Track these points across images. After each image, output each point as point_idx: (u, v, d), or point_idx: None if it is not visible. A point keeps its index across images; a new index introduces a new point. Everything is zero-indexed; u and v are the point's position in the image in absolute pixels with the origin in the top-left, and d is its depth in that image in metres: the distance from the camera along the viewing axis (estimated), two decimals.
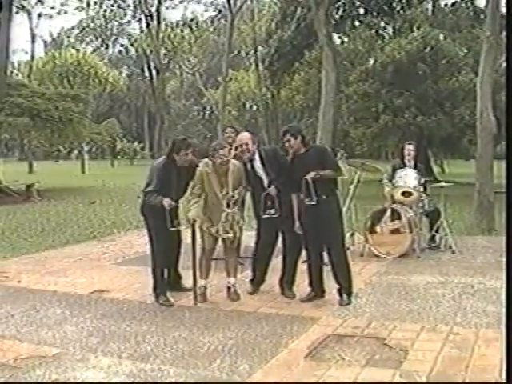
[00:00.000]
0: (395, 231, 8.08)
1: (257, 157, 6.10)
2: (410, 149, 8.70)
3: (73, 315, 5.60)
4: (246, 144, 6.06)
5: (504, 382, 3.56)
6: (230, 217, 5.88)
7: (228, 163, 5.87)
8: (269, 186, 5.95)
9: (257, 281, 6.31)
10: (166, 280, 6.18)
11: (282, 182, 5.89)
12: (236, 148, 6.33)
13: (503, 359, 3.90)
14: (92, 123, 26.86)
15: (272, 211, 5.84)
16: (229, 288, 6.09)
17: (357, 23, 23.46)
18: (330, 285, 5.93)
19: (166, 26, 49.24)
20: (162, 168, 5.99)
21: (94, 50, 56.91)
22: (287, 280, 6.14)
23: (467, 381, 3.88)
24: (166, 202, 5.70)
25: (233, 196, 5.86)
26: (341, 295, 5.82)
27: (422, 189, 8.35)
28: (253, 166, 6.07)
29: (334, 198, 5.86)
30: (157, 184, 5.87)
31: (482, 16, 22.16)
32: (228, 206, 5.86)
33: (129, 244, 9.74)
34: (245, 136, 6.20)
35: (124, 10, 48.26)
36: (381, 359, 4.31)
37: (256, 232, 6.26)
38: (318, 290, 5.93)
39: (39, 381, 4.04)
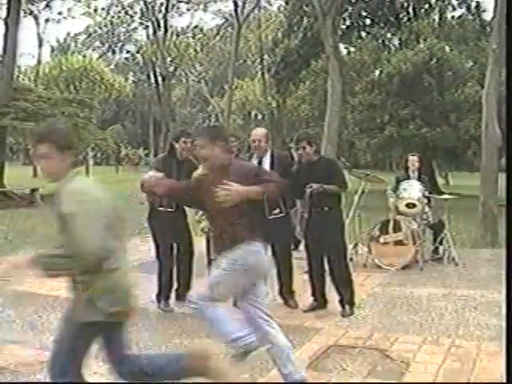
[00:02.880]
0: (398, 242, 8.07)
1: (268, 156, 5.93)
2: (413, 160, 8.70)
3: None
4: (259, 141, 5.91)
5: (504, 382, 3.54)
6: None
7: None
8: None
9: None
10: (174, 289, 6.18)
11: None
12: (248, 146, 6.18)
13: (503, 360, 3.87)
14: (97, 129, 26.88)
15: (276, 211, 5.73)
16: None
17: (363, 34, 23.62)
18: (333, 295, 5.92)
19: (172, 33, 49.35)
20: (159, 159, 6.05)
21: (101, 56, 57.06)
22: (286, 290, 6.13)
23: None
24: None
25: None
26: (343, 306, 5.81)
27: (425, 200, 8.34)
28: (260, 165, 5.84)
29: (336, 209, 5.84)
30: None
31: (488, 29, 22.18)
32: None
33: (131, 251, 9.70)
34: (259, 132, 6.03)
35: (131, 16, 48.38)
36: (382, 371, 4.30)
37: None
38: (320, 300, 5.93)
39: None
